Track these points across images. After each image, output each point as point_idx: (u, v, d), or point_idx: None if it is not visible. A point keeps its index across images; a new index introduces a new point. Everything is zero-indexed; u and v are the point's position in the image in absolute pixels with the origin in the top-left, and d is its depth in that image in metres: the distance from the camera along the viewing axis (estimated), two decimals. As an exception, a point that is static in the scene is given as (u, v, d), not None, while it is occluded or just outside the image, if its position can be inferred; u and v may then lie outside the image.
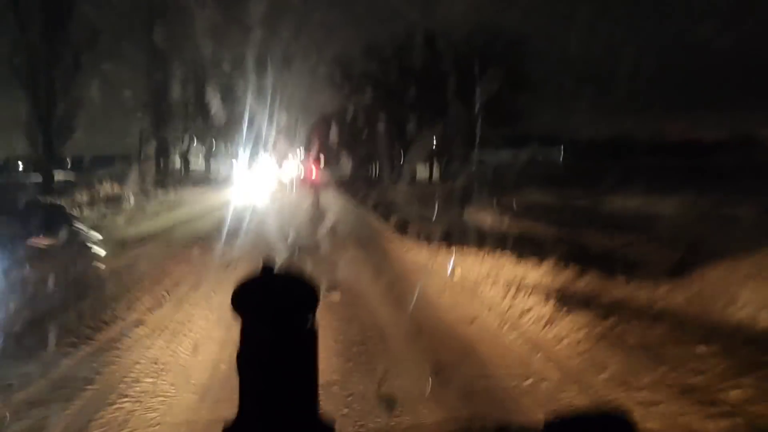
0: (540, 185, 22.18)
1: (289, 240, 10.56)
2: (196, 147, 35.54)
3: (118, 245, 9.91)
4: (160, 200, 22.01)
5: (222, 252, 9.75)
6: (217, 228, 12.92)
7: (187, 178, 29.72)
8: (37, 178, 23.66)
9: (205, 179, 31.49)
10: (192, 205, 21.01)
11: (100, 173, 29.24)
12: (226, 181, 30.68)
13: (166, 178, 29.27)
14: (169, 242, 11.61)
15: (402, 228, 12.44)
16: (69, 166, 33.06)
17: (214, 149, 37.62)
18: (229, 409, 1.01)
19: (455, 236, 9.66)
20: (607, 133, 35.72)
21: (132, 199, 21.44)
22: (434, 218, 12.19)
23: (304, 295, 1.02)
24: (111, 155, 33.15)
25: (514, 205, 14.03)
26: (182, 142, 31.68)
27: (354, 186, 31.77)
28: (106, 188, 23.75)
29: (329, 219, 13.10)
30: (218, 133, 37.08)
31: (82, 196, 19.70)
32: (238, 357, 0.98)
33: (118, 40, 23.73)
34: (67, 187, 22.29)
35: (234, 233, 11.73)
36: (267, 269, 1.02)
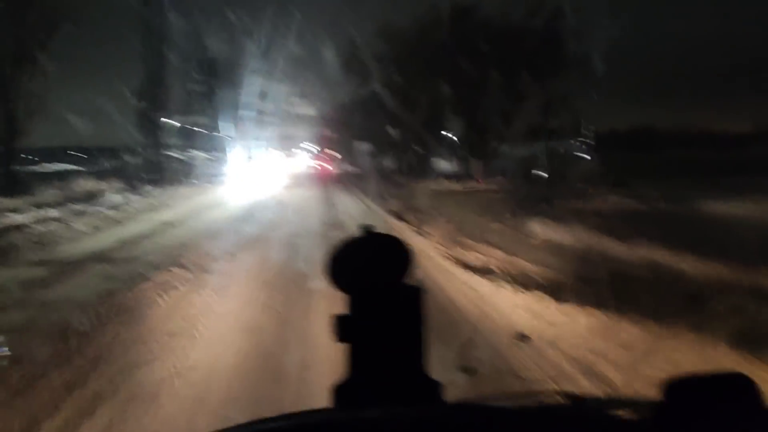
0: (600, 184, 18.40)
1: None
2: (195, 136, 32.11)
3: (22, 287, 6.31)
4: (146, 198, 18.46)
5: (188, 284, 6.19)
6: (194, 242, 9.37)
7: (183, 170, 26.12)
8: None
9: (204, 172, 27.91)
10: (181, 204, 17.35)
11: (88, 167, 25.89)
12: (227, 174, 27.06)
13: (159, 171, 25.84)
14: (120, 271, 7.94)
15: (484, 270, 6.89)
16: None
17: (215, 139, 33.89)
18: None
19: (599, 285, 5.11)
20: (622, 125, 33.29)
21: (112, 197, 17.98)
22: (520, 241, 8.29)
23: (403, 255, 1.03)
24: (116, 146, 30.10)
25: (600, 215, 10.20)
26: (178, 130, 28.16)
27: (376, 182, 28.03)
28: (85, 184, 20.28)
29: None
30: (220, 120, 33.81)
31: (44, 195, 16.22)
32: (339, 319, 0.96)
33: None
34: (35, 182, 18.78)
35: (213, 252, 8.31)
36: (365, 233, 1.02)
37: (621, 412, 0.95)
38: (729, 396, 0.80)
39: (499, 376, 3.38)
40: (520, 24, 26.68)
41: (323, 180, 29.14)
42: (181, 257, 7.82)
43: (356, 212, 14.26)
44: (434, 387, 0.99)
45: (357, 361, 0.97)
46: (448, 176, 29.27)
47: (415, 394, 0.97)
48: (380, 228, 1.08)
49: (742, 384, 0.80)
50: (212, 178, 23.25)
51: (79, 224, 12.58)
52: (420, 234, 10.07)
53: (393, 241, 1.06)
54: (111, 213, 14.18)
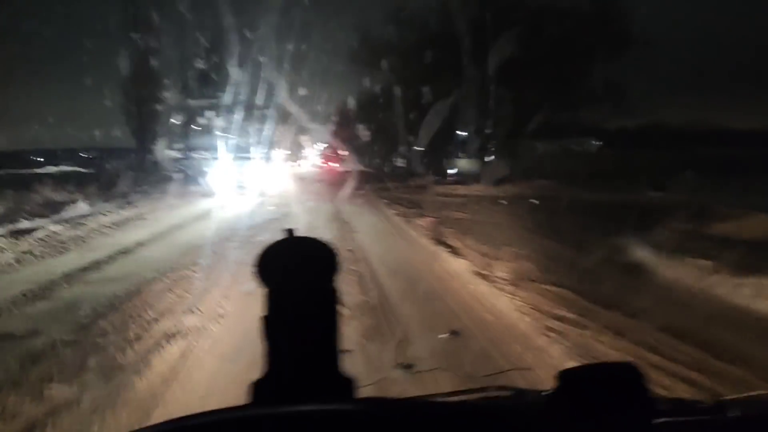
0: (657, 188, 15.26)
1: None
2: (193, 138, 28.93)
3: None
4: (122, 209, 15.26)
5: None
6: (148, 294, 6.14)
7: (176, 175, 22.82)
8: None
9: (200, 176, 24.64)
10: (160, 216, 14.09)
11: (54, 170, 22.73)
12: (225, 178, 23.85)
13: (149, 175, 22.70)
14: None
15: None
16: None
17: (214, 140, 30.48)
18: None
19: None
20: (630, 122, 28.17)
21: (78, 208, 14.79)
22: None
23: (326, 258, 1.06)
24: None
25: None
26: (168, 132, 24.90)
27: (390, 183, 24.76)
28: (52, 191, 17.11)
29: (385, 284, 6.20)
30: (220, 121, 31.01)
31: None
32: (263, 319, 1.01)
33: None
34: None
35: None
36: (289, 235, 1.08)
37: (527, 402, 1.02)
38: (617, 383, 0.86)
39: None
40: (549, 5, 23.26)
41: (332, 182, 25.94)
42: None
43: (379, 233, 10.95)
44: (350, 384, 1.01)
45: (275, 359, 1.00)
46: (466, 176, 25.96)
47: (332, 391, 1.00)
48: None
49: (630, 373, 0.86)
50: (207, 183, 19.99)
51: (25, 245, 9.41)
52: (500, 288, 6.11)
53: (316, 244, 1.09)
54: (63, 230, 10.96)
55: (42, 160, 34.22)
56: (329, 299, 1.05)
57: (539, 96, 22.00)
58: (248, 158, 24.14)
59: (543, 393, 0.99)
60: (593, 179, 17.22)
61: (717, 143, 26.68)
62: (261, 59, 21.62)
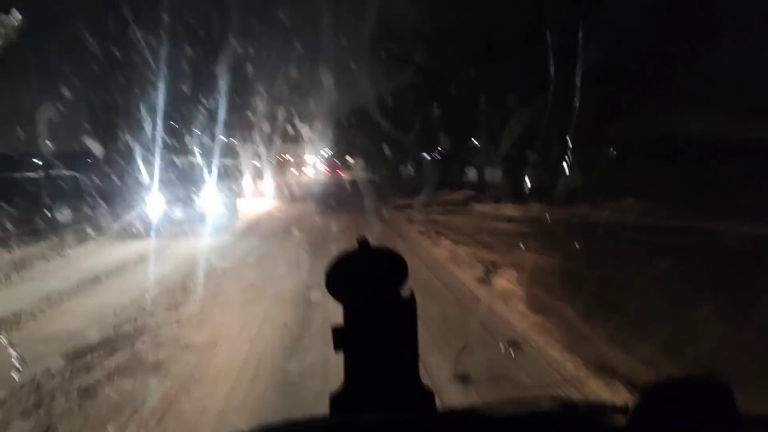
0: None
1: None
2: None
3: None
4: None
5: None
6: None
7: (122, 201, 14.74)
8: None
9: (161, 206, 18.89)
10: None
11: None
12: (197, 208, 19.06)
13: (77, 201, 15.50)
14: None
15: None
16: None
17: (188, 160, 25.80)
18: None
19: None
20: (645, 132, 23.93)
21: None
22: None
23: (398, 267, 1.04)
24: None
25: None
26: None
27: (408, 200, 19.93)
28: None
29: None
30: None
31: None
32: (337, 330, 0.97)
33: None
34: None
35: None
36: (362, 246, 1.03)
37: (607, 417, 0.95)
38: (705, 400, 0.80)
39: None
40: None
41: (340, 198, 21.19)
42: None
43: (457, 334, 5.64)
44: (427, 395, 1.00)
45: (353, 369, 0.98)
46: (499, 190, 21.00)
47: (410, 401, 0.98)
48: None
49: (718, 389, 0.81)
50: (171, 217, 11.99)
51: None
52: None
53: (389, 254, 1.06)
54: None
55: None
56: (405, 310, 1.01)
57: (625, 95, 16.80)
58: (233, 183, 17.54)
59: (625, 407, 0.92)
60: (698, 198, 12.35)
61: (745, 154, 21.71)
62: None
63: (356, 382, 0.98)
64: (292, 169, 39.37)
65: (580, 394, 3.58)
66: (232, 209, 13.02)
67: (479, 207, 15.91)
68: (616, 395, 3.40)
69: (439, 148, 38.73)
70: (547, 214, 12.82)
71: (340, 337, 0.99)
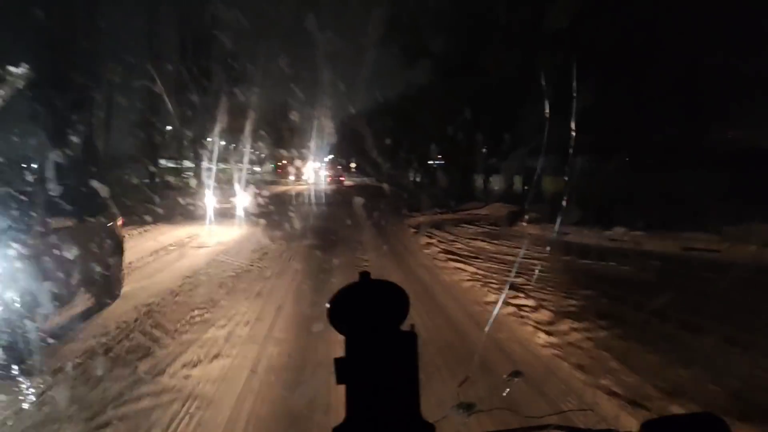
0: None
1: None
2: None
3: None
4: None
5: None
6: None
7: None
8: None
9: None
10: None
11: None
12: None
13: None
14: None
15: None
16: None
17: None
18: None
19: None
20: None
21: None
22: None
23: (400, 300, 1.05)
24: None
25: None
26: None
27: (430, 214, 16.21)
28: None
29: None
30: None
31: None
32: (339, 362, 0.97)
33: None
34: None
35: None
36: (363, 278, 1.05)
37: None
38: None
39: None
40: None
41: (345, 213, 17.43)
42: None
43: None
44: (428, 428, 0.99)
45: (354, 402, 0.98)
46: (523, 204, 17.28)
47: None
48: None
49: (716, 426, 0.83)
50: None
51: None
52: None
53: (389, 288, 1.07)
54: None
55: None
56: (407, 343, 1.00)
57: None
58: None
59: None
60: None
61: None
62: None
63: (358, 416, 0.96)
64: (291, 177, 35.63)
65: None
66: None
67: (532, 229, 12.18)
68: None
69: (440, 155, 35.05)
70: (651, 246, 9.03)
71: (343, 370, 0.97)
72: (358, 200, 20.22)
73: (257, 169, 49.54)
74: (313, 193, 26.64)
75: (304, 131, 38.78)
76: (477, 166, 26.36)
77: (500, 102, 21.06)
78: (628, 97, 14.19)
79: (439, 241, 10.81)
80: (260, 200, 17.27)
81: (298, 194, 25.74)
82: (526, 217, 14.12)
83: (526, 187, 21.35)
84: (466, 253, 9.38)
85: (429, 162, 40.17)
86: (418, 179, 40.56)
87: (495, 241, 10.59)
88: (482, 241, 10.82)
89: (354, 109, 39.33)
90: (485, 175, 25.43)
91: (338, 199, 22.88)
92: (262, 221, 13.21)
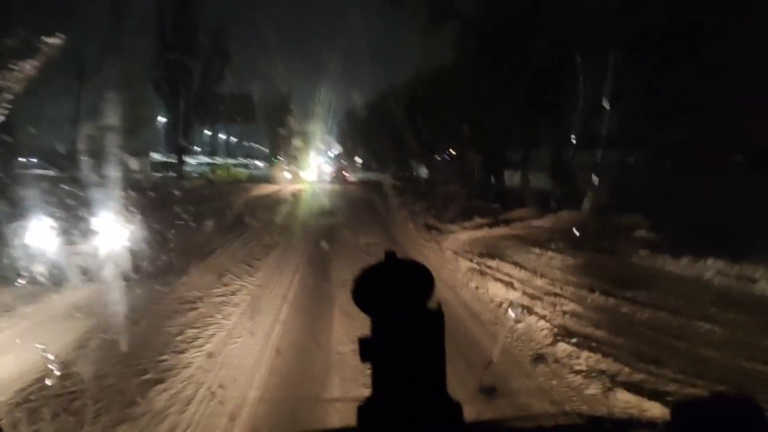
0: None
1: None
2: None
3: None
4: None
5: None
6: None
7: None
8: None
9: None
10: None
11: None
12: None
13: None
14: None
15: None
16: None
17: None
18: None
19: None
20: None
21: None
22: None
23: (426, 279, 1.04)
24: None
25: None
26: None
27: (462, 220, 11.64)
28: None
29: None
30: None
31: None
32: (364, 341, 0.96)
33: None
34: None
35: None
36: (389, 257, 1.03)
37: None
38: (736, 419, 0.79)
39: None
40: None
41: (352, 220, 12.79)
42: None
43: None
44: (455, 408, 0.98)
45: (380, 381, 0.98)
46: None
47: (437, 414, 0.97)
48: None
49: (747, 407, 0.80)
50: None
51: None
52: None
53: (416, 267, 1.06)
54: None
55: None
56: (433, 322, 0.99)
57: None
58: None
59: (653, 424, 0.89)
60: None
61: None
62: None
63: (384, 394, 0.96)
64: (285, 173, 30.91)
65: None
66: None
67: (672, 265, 7.42)
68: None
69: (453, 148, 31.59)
70: None
71: (368, 349, 0.97)
72: (364, 205, 15.65)
73: (259, 164, 44.94)
74: (309, 194, 21.82)
75: (307, 124, 34.31)
76: (506, 159, 21.75)
77: (543, 82, 16.56)
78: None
79: (530, 298, 6.02)
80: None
81: (282, 200, 20.49)
82: (637, 236, 9.32)
83: (553, 186, 16.60)
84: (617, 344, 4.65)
85: (443, 155, 35.82)
86: (426, 176, 35.91)
87: (642, 298, 5.84)
88: (617, 297, 5.99)
89: (362, 99, 34.92)
90: (522, 171, 20.62)
91: (340, 203, 18.06)
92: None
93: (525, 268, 7.28)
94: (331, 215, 13.57)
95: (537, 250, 8.60)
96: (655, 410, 3.18)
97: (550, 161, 18.55)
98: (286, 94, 36.83)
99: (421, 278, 1.03)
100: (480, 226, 11.73)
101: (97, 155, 23.19)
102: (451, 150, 30.86)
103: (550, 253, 8.38)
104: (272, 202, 17.23)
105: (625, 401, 3.43)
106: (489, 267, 7.38)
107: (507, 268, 7.37)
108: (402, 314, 0.98)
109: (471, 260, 7.88)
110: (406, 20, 19.50)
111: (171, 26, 27.42)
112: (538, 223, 12.04)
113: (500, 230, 11.20)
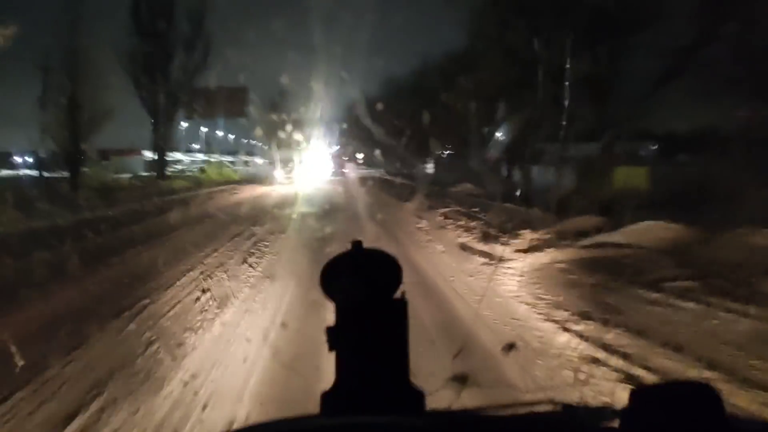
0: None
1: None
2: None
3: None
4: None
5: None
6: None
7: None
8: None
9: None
10: None
11: None
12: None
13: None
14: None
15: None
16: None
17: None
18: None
19: None
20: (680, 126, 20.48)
21: None
22: None
23: (392, 269, 1.04)
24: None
25: None
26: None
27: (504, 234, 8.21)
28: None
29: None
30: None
31: None
32: (331, 330, 0.96)
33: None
34: None
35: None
36: (356, 247, 1.03)
37: (600, 419, 0.92)
38: (694, 405, 0.80)
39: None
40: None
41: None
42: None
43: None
44: (419, 396, 0.97)
45: (345, 369, 0.97)
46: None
47: (401, 403, 0.97)
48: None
49: (706, 393, 0.81)
50: None
51: None
52: None
53: (382, 256, 1.05)
54: None
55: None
56: (397, 310, 0.99)
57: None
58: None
59: (610, 411, 0.89)
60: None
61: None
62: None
63: (347, 382, 0.96)
64: (279, 171, 27.51)
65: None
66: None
67: None
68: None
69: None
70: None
71: (334, 337, 0.97)
72: (373, 214, 12.27)
73: (259, 161, 41.39)
74: (303, 199, 18.29)
75: (305, 118, 30.92)
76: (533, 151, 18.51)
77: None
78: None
79: None
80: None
81: (261, 209, 16.69)
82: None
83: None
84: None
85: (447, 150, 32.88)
86: (432, 172, 32.56)
87: None
88: None
89: (364, 90, 31.59)
90: (558, 165, 17.21)
91: (340, 212, 14.40)
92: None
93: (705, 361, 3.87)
94: (328, 238, 9.70)
95: (663, 298, 5.21)
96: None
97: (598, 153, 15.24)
98: (282, 86, 33.23)
99: (387, 267, 1.04)
100: (538, 246, 8.32)
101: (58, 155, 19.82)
102: (457, 143, 27.65)
103: (691, 305, 5.00)
104: (245, 215, 13.51)
105: None
106: (626, 357, 3.97)
107: (657, 356, 3.96)
108: (366, 303, 0.98)
109: (582, 338, 4.45)
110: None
111: (146, 7, 24.04)
112: (615, 238, 8.62)
113: (570, 252, 7.81)
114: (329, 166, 33.97)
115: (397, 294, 1.00)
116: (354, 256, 1.03)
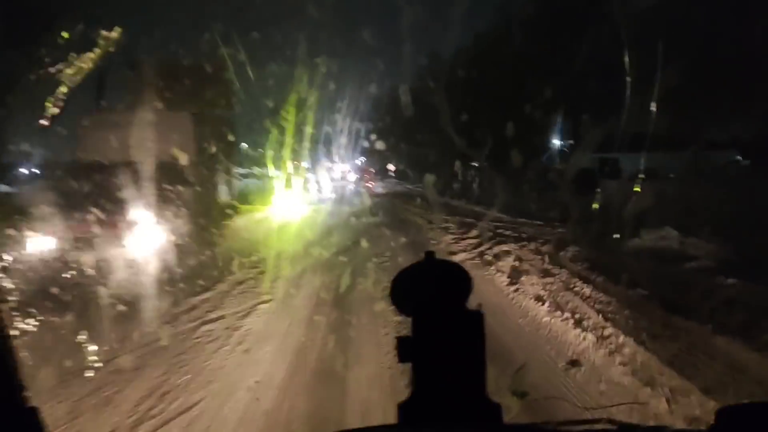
0: None
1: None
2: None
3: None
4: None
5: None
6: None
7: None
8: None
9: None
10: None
11: None
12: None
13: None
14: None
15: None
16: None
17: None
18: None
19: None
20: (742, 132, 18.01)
21: None
22: None
23: (464, 280, 1.02)
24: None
25: None
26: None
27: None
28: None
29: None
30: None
31: None
32: (403, 341, 0.95)
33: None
34: None
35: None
36: (429, 258, 1.02)
37: None
38: None
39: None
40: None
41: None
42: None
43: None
44: (493, 408, 0.95)
45: (419, 380, 0.95)
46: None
47: (478, 414, 0.94)
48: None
49: None
50: None
51: None
52: None
53: (454, 268, 1.03)
54: None
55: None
56: (473, 322, 0.97)
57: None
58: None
59: (698, 431, 0.84)
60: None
61: None
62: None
63: (424, 393, 0.94)
64: (286, 190, 21.55)
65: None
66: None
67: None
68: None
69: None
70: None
71: (407, 348, 0.95)
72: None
73: (272, 173, 36.28)
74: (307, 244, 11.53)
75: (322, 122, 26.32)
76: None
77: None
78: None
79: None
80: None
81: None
82: None
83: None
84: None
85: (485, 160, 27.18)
86: (473, 182, 26.89)
87: None
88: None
89: (393, 89, 26.81)
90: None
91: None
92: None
93: None
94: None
95: None
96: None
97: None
98: (290, 79, 27.17)
99: (460, 278, 1.02)
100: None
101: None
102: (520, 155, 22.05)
103: None
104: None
105: None
106: None
107: None
108: (442, 314, 0.96)
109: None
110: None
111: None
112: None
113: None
114: (353, 179, 29.47)
115: (472, 304, 0.98)
116: (426, 267, 1.02)
